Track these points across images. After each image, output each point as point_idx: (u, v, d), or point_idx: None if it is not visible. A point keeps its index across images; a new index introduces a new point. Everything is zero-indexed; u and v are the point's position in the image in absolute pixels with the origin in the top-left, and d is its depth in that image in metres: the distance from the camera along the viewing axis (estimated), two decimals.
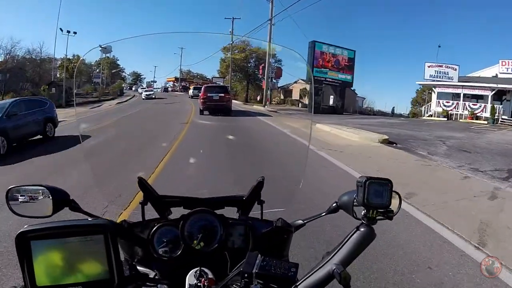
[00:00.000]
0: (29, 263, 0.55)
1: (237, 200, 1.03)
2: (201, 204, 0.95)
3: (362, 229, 0.71)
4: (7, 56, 27.87)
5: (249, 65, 35.41)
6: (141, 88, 33.39)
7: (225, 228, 0.91)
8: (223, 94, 14.65)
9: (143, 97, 25.45)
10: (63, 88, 24.23)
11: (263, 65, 28.94)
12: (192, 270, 0.75)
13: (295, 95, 33.55)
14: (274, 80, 29.68)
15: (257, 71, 34.63)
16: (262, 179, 1.00)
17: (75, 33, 27.08)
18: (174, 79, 45.97)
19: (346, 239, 0.71)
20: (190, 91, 28.49)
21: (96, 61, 45.64)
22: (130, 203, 3.34)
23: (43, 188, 0.85)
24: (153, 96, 25.16)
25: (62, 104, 22.36)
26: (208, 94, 14.46)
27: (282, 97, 34.85)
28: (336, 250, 0.70)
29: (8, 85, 24.16)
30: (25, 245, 0.56)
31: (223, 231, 0.90)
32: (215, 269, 0.77)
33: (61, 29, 26.06)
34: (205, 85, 17.76)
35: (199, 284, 0.71)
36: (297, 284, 0.66)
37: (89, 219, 0.66)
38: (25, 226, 0.56)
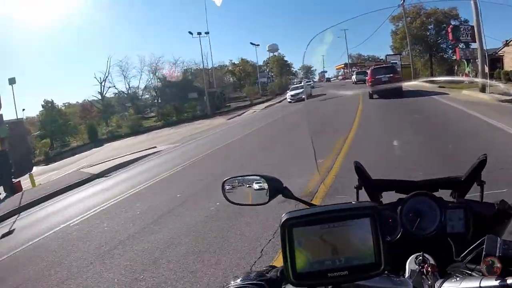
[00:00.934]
0: (292, 250, 0.56)
1: (454, 182, 0.97)
2: (415, 187, 0.92)
3: None
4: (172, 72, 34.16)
5: (428, 34, 28.06)
6: (291, 88, 26.32)
7: (444, 211, 0.86)
8: (392, 75, 13.57)
9: (289, 100, 22.03)
10: (205, 95, 26.09)
11: (451, 26, 21.74)
12: (413, 256, 0.71)
13: (509, 64, 21.57)
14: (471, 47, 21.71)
15: (441, 39, 27.11)
16: (485, 157, 0.92)
17: (207, 33, 30.24)
18: (343, 66, 42.72)
19: None
20: (353, 77, 26.39)
21: (264, 61, 48.21)
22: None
23: (258, 177, 0.91)
24: (303, 97, 20.40)
25: (207, 113, 24.59)
26: (376, 77, 13.84)
27: (486, 69, 23.30)
28: None
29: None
30: (288, 232, 0.56)
31: (442, 215, 0.86)
32: (435, 255, 0.72)
33: (190, 32, 29.86)
34: (372, 67, 17.10)
35: (421, 269, 0.67)
36: None
37: (352, 202, 0.66)
38: (285, 214, 0.57)
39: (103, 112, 31.18)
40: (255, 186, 0.93)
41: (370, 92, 12.61)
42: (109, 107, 31.82)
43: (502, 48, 22.21)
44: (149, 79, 34.57)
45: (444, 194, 0.94)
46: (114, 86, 33.56)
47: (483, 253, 0.61)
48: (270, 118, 15.68)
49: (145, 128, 26.63)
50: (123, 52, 56.64)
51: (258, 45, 38.57)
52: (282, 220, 0.57)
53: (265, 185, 0.90)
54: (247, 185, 0.95)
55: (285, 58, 50.59)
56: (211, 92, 29.54)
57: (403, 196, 0.91)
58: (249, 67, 43.88)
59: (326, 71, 51.45)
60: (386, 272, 0.61)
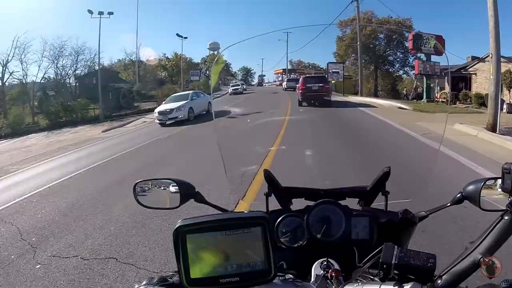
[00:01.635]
0: (185, 256, 0.56)
1: (360, 191, 1.02)
2: (323, 196, 0.96)
3: (506, 218, 0.67)
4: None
5: (377, 43, 26.05)
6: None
7: (349, 219, 0.91)
8: (322, 84, 14.11)
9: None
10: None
11: (414, 33, 18.56)
12: (318, 261, 0.75)
13: (482, 85, 15.89)
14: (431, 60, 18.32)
15: (389, 50, 25.39)
16: (388, 170, 0.96)
17: (110, 13, 23.78)
18: (282, 71, 40.29)
19: (490, 229, 0.68)
20: (284, 83, 26.51)
21: (203, 58, 44.88)
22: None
23: (170, 181, 0.90)
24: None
25: (100, 116, 19.84)
26: (307, 85, 14.12)
27: (448, 89, 17.61)
28: (481, 240, 0.67)
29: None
30: (181, 238, 0.56)
31: (347, 222, 0.91)
32: (339, 261, 0.77)
33: (90, 11, 23.74)
34: (303, 76, 17.69)
35: (326, 274, 0.71)
36: (441, 274, 0.65)
37: (245, 211, 0.64)
38: (180, 221, 0.57)
39: None
40: (168, 189, 0.92)
41: (300, 99, 13.42)
42: None
43: (474, 64, 17.80)
44: (48, 67, 27.19)
45: (352, 203, 1.00)
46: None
47: (380, 260, 0.66)
48: (158, 134, 11.06)
49: (20, 129, 19.89)
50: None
51: (185, 37, 35.08)
52: (176, 227, 0.58)
53: (177, 190, 0.89)
54: (159, 188, 0.93)
55: (224, 58, 50.26)
56: (117, 89, 24.45)
57: (311, 203, 0.95)
58: (184, 63, 39.78)
59: (264, 75, 50.29)
60: (291, 276, 0.69)
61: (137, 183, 0.94)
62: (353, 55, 25.65)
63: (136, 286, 0.65)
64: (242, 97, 19.81)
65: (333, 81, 21.13)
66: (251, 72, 53.95)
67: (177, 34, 34.00)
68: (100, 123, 18.96)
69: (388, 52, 26.29)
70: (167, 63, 37.58)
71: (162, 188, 0.93)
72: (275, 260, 0.58)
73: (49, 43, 26.88)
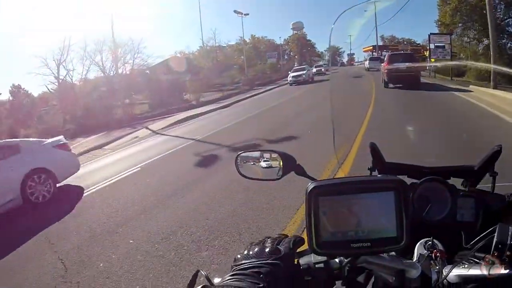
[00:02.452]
0: (316, 219, 0.56)
1: (467, 171, 0.96)
2: (427, 173, 0.92)
3: None
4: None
5: (496, 7, 17.76)
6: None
7: (455, 199, 0.87)
8: (410, 63, 12.48)
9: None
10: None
11: None
12: (422, 240, 0.71)
13: None
14: None
15: (508, 18, 17.59)
16: (499, 148, 0.90)
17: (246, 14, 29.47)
18: (371, 48, 36.51)
19: None
20: (366, 63, 25.00)
21: (285, 39, 43.63)
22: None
23: (273, 153, 0.90)
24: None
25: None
26: (394, 64, 12.61)
27: None
28: None
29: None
30: (314, 200, 0.56)
31: (453, 202, 0.86)
32: (444, 242, 0.72)
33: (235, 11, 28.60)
34: (389, 54, 15.79)
35: (430, 254, 0.67)
36: None
37: (379, 175, 0.65)
38: (312, 183, 0.57)
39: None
40: (268, 161, 0.92)
41: (386, 80, 12.65)
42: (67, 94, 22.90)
43: None
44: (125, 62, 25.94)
45: (456, 183, 0.94)
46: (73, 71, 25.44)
47: (495, 240, 0.62)
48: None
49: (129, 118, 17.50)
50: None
51: (247, 14, 33.02)
52: (309, 189, 0.57)
53: (279, 161, 0.88)
54: (260, 160, 0.93)
55: (308, 38, 45.63)
56: (168, 80, 23.34)
57: (415, 181, 0.91)
58: (263, 45, 39.09)
59: (353, 54, 46.51)
60: (393, 253, 0.63)
61: (238, 154, 0.94)
62: (459, 24, 19.47)
63: (245, 261, 0.62)
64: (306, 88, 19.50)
65: (432, 60, 16.86)
66: (340, 51, 49.69)
67: (235, 11, 31.93)
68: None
69: (508, 20, 18.85)
70: (244, 47, 37.44)
71: (262, 160, 0.93)
72: (408, 228, 0.56)
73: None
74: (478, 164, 0.93)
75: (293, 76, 22.44)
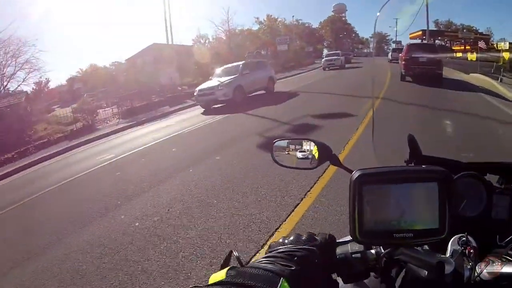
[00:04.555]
0: (360, 207, 0.56)
1: (503, 168, 0.95)
2: (464, 168, 0.91)
3: None
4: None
5: None
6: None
7: (491, 196, 0.87)
8: (432, 55, 10.60)
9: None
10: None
11: None
12: (456, 236, 0.69)
13: None
14: None
15: None
16: None
17: None
18: (421, 33, 27.71)
19: None
20: (389, 54, 22.44)
21: (320, 22, 39.46)
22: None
23: (310, 141, 0.90)
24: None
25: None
26: (413, 55, 11.17)
27: None
28: None
29: None
30: (358, 189, 0.56)
31: (489, 199, 0.86)
32: (477, 238, 0.69)
33: None
34: (409, 44, 13.81)
35: (464, 250, 0.65)
36: None
37: (423, 166, 0.63)
38: (357, 171, 0.58)
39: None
40: (305, 150, 0.92)
41: (403, 72, 10.70)
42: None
43: None
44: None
45: (492, 179, 0.94)
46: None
47: None
48: None
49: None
50: None
51: None
52: (354, 177, 0.57)
53: (314, 150, 0.88)
54: (296, 148, 0.93)
55: (350, 22, 40.11)
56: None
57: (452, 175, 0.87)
58: (281, 27, 34.87)
59: (399, 41, 39.30)
60: (427, 247, 0.64)
61: (274, 141, 0.94)
62: None
63: (281, 247, 0.62)
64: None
65: (506, 55, 14.49)
66: (387, 38, 45.06)
67: None
68: None
69: None
70: (259, 30, 34.41)
71: (299, 148, 0.93)
72: (450, 220, 0.57)
73: None
74: None
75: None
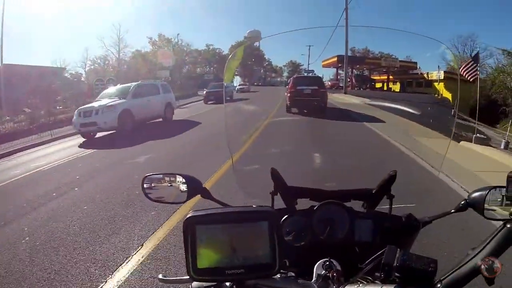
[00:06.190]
0: (193, 247, 0.58)
1: (365, 194, 1.03)
2: (328, 196, 0.98)
3: (509, 226, 0.70)
4: None
5: None
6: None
7: (353, 221, 0.93)
8: (316, 87, 11.30)
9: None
10: None
11: None
12: (321, 261, 0.76)
13: None
14: None
15: None
16: (394, 173, 0.97)
17: None
18: (336, 60, 21.01)
19: (492, 236, 0.70)
20: (204, 91, 20.19)
21: (233, 45, 36.63)
22: None
23: (179, 176, 0.93)
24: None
25: None
26: (298, 87, 11.79)
27: None
28: (483, 246, 0.69)
29: None
30: (191, 229, 0.58)
31: (351, 224, 0.93)
32: (341, 262, 0.77)
33: None
34: (294, 77, 14.86)
35: (327, 274, 0.72)
36: (442, 279, 0.67)
37: (253, 206, 0.66)
38: (191, 212, 0.59)
39: None
40: (175, 185, 0.94)
41: (288, 104, 10.98)
42: None
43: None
44: None
45: (357, 205, 1.01)
46: None
47: (382, 262, 0.68)
48: None
49: None
50: None
51: None
52: (187, 217, 0.59)
53: (184, 185, 0.91)
54: (166, 183, 0.95)
55: (262, 49, 37.34)
56: None
57: (316, 203, 0.98)
58: (178, 51, 33.09)
59: (312, 70, 33.09)
60: (293, 274, 0.73)
61: (145, 176, 0.95)
62: None
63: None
64: None
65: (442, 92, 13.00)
66: (300, 66, 40.27)
67: None
68: None
69: None
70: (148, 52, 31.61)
71: (170, 182, 0.94)
72: (280, 255, 0.59)
73: None
74: (376, 187, 1.00)
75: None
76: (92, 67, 32.90)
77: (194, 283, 0.71)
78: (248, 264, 0.58)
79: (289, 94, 11.87)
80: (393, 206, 0.99)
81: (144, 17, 65.50)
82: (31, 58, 65.07)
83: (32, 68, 23.62)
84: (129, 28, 56.74)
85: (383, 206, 1.00)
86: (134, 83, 11.32)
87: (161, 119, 11.84)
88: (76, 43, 67.36)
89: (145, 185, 0.95)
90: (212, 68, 41.46)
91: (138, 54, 33.49)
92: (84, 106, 10.24)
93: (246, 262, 0.59)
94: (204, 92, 19.93)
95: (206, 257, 0.58)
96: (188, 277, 0.61)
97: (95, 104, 10.12)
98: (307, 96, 11.41)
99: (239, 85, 24.95)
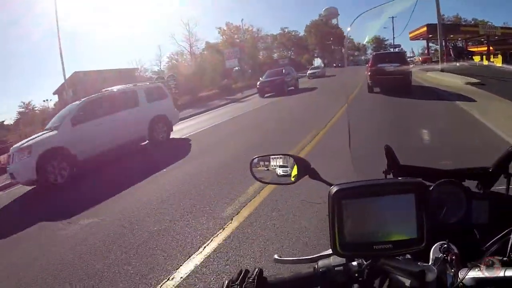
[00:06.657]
0: (340, 221, 0.57)
1: (481, 173, 0.95)
2: (442, 176, 0.91)
3: None
4: None
5: None
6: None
7: (470, 202, 0.87)
8: (399, 64, 10.95)
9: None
10: None
11: None
12: (437, 243, 0.69)
13: None
14: None
15: None
16: None
17: None
18: (425, 29, 18.07)
19: None
20: (308, 72, 24.21)
21: (307, 25, 34.66)
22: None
23: (288, 157, 0.93)
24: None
25: None
26: (379, 65, 11.23)
27: None
28: None
29: None
30: (337, 203, 0.58)
31: (468, 205, 0.86)
32: (459, 245, 0.71)
33: None
34: (373, 53, 14.43)
35: (445, 257, 0.67)
36: None
37: (399, 178, 0.66)
38: (335, 186, 0.58)
39: None
40: (283, 165, 0.94)
41: (369, 83, 11.08)
42: None
43: None
44: None
45: (470, 185, 0.93)
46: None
47: (510, 242, 0.64)
48: None
49: None
50: None
51: None
52: (332, 192, 0.58)
53: (292, 165, 0.91)
54: (275, 164, 0.96)
55: (342, 27, 34.80)
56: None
57: (430, 183, 0.90)
58: (250, 39, 31.64)
59: (399, 45, 27.76)
60: (409, 256, 0.67)
61: (253, 158, 0.97)
62: None
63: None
64: None
65: None
66: (385, 42, 36.72)
67: None
68: None
69: None
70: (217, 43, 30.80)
71: (276, 163, 0.95)
72: (428, 230, 0.57)
73: None
74: (492, 165, 0.94)
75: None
76: (170, 63, 34.80)
77: (320, 262, 0.69)
78: (395, 239, 0.57)
79: (369, 73, 11.58)
80: (510, 186, 0.91)
81: (212, 8, 67.74)
82: (109, 62, 71.63)
83: (99, 73, 25.40)
84: (199, 21, 59.75)
85: (498, 187, 0.93)
86: (82, 100, 7.51)
87: (146, 142, 8.16)
88: (149, 42, 73.33)
89: (253, 166, 0.97)
90: (290, 52, 40.91)
91: (209, 46, 33.94)
92: (17, 145, 6.56)
93: (393, 236, 0.57)
94: (258, 83, 17.42)
95: (353, 232, 0.57)
96: (304, 257, 0.62)
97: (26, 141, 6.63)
98: (390, 74, 10.94)
99: (310, 70, 23.61)
